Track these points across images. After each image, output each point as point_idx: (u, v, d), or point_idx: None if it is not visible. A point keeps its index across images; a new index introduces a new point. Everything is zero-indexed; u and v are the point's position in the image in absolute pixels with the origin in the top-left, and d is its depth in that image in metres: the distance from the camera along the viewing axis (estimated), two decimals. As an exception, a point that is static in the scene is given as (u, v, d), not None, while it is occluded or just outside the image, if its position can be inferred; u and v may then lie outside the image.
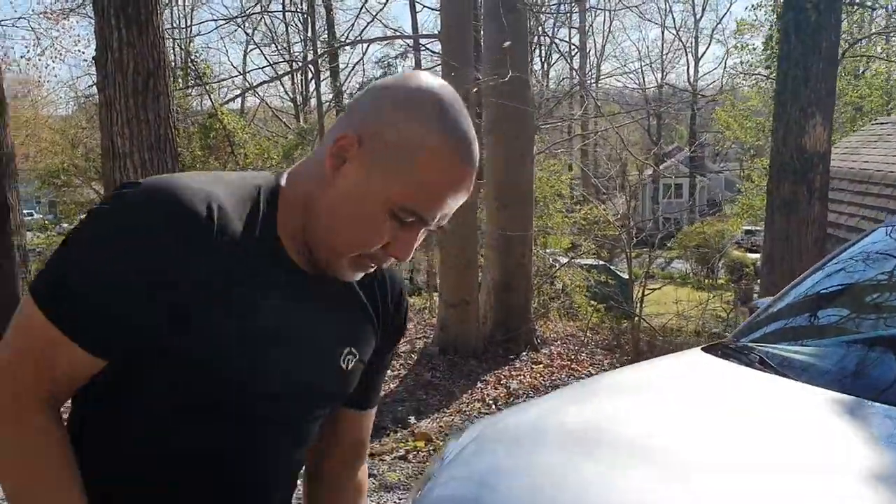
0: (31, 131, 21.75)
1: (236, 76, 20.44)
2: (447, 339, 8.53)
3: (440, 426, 6.38)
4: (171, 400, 1.05)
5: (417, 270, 15.88)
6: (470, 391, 7.60)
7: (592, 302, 10.58)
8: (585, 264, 12.30)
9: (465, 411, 6.92)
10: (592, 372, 8.15)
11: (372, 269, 1.13)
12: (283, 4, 23.30)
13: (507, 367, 8.33)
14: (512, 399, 7.18)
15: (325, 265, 1.10)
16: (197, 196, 1.01)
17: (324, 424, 1.27)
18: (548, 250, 12.84)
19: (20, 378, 0.98)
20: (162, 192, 1.01)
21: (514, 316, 8.93)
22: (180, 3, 24.37)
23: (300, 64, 20.83)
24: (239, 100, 18.15)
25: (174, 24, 20.90)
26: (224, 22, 20.68)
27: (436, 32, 12.04)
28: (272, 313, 1.08)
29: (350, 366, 1.20)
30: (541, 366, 8.43)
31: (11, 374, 0.98)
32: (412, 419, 6.59)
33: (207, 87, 10.68)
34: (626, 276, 10.92)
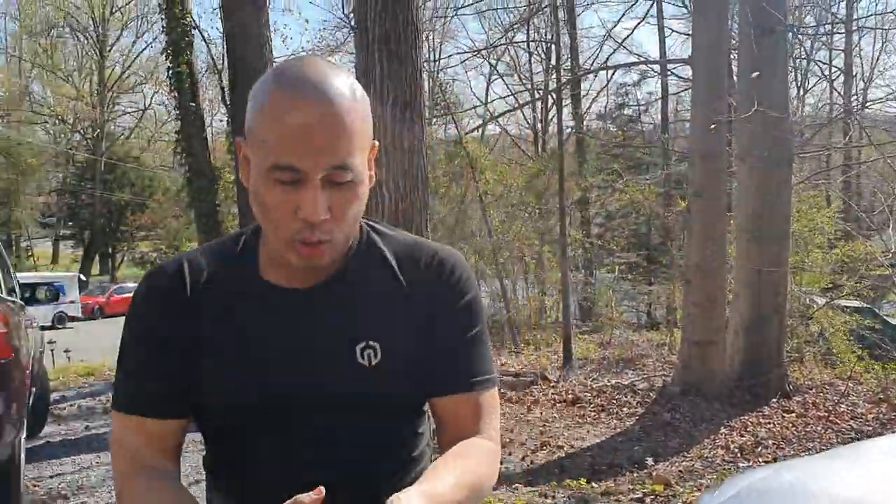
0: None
1: (478, 106, 20.99)
2: (689, 380, 8.10)
3: (680, 471, 6.03)
4: (233, 434, 1.18)
5: (657, 305, 15.33)
6: (712, 436, 7.14)
7: (855, 348, 9.60)
8: (847, 306, 11.22)
9: (706, 457, 6.50)
10: (854, 426, 7.36)
11: (316, 244, 1.11)
12: (528, 34, 23.70)
13: (754, 414, 7.74)
14: (759, 449, 6.64)
15: (293, 264, 1.14)
16: (168, 263, 1.22)
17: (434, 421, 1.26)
18: (803, 289, 11.89)
19: (117, 463, 1.20)
20: (144, 277, 1.23)
21: (765, 359, 8.30)
22: (430, 37, 25.54)
23: (542, 93, 21.01)
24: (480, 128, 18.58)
25: (426, 58, 21.89)
26: (470, 55, 21.36)
27: (685, 57, 11.60)
28: (263, 336, 1.17)
29: (374, 360, 1.17)
30: (793, 415, 7.75)
31: (114, 462, 1.20)
32: (649, 461, 6.29)
33: (455, 117, 11.01)
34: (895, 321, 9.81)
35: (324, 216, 1.08)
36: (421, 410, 1.27)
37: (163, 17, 12.10)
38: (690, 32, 8.71)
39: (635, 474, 5.85)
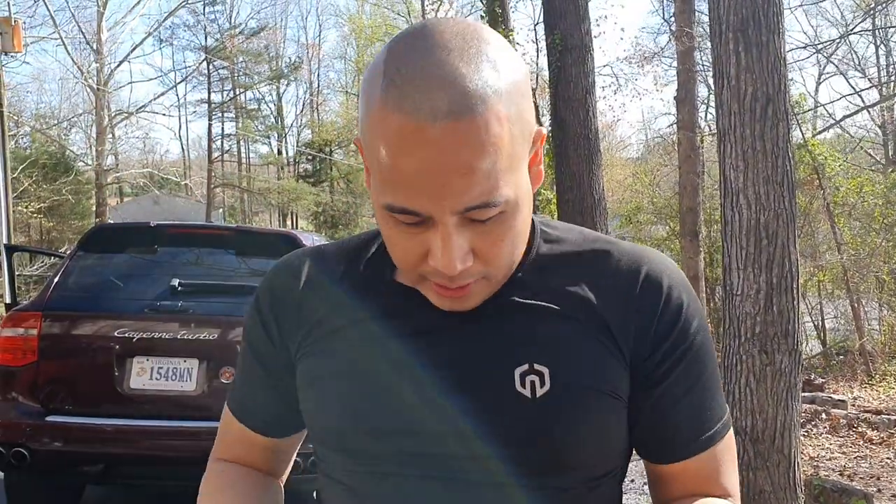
0: (608, 174, 23.41)
1: (819, 106, 19.09)
2: None
3: None
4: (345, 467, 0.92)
5: None
6: None
7: None
8: None
9: None
10: None
11: (460, 287, 0.82)
12: (873, 23, 21.11)
13: None
14: None
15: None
16: (289, 259, 1.00)
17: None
18: None
19: (215, 448, 1.07)
20: (266, 274, 1.01)
21: None
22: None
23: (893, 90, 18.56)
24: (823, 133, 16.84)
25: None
26: (808, 52, 19.50)
27: None
28: (375, 349, 0.89)
29: (539, 390, 0.84)
30: None
31: (215, 445, 1.07)
32: None
33: (798, 119, 9.95)
34: None
35: (463, 266, 0.80)
36: (606, 474, 0.92)
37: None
38: None
39: None
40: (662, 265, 0.92)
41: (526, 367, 0.85)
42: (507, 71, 0.77)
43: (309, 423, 0.95)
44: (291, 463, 1.11)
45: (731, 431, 0.94)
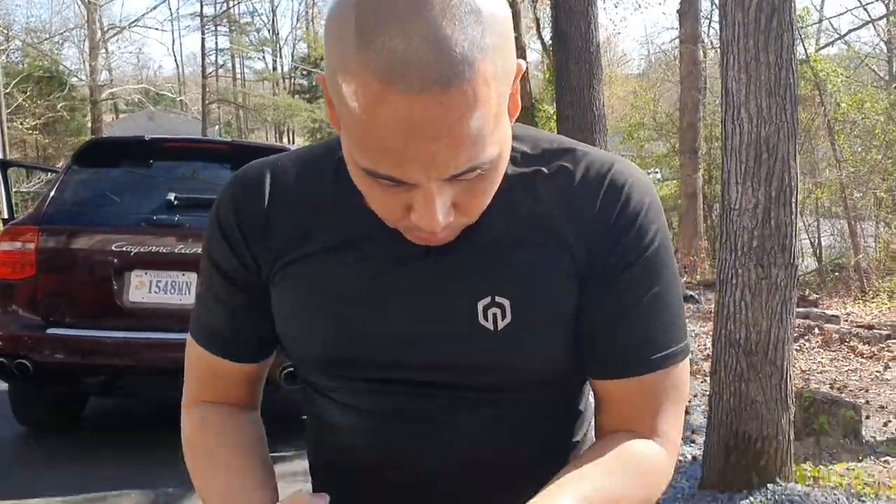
0: (609, 90, 23.09)
1: (822, 20, 18.68)
2: None
3: None
4: (309, 392, 0.98)
5: None
6: None
7: None
8: None
9: None
10: None
11: (434, 239, 0.81)
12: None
13: None
14: None
15: None
16: (249, 174, 0.94)
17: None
18: None
19: (185, 390, 1.02)
20: (224, 187, 0.95)
21: None
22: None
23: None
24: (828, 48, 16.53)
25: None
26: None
27: None
28: (350, 279, 0.88)
29: (501, 323, 0.85)
30: None
31: (185, 386, 1.03)
32: None
33: (801, 33, 9.75)
34: None
35: (446, 222, 0.78)
36: (573, 390, 0.96)
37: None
38: None
39: None
40: (628, 171, 0.88)
41: (488, 300, 0.85)
42: (491, 19, 0.71)
43: (286, 346, 0.95)
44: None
45: (685, 368, 0.89)
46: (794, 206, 3.82)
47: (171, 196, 4.44)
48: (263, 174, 0.93)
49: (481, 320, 0.86)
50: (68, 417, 5.10)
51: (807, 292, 11.64)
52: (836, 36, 14.51)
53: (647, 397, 0.88)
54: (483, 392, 0.89)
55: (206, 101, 32.76)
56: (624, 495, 0.82)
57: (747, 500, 3.66)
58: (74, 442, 4.81)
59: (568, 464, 0.86)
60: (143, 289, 4.33)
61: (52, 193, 4.52)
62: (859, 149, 12.24)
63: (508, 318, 0.85)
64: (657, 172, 19.80)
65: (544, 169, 0.89)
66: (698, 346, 8.52)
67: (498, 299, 0.85)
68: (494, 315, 0.85)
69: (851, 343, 8.40)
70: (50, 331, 4.27)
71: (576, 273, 0.87)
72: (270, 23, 41.02)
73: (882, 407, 6.23)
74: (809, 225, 14.04)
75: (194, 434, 0.97)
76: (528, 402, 0.90)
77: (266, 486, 0.90)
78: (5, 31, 23.77)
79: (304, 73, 38.60)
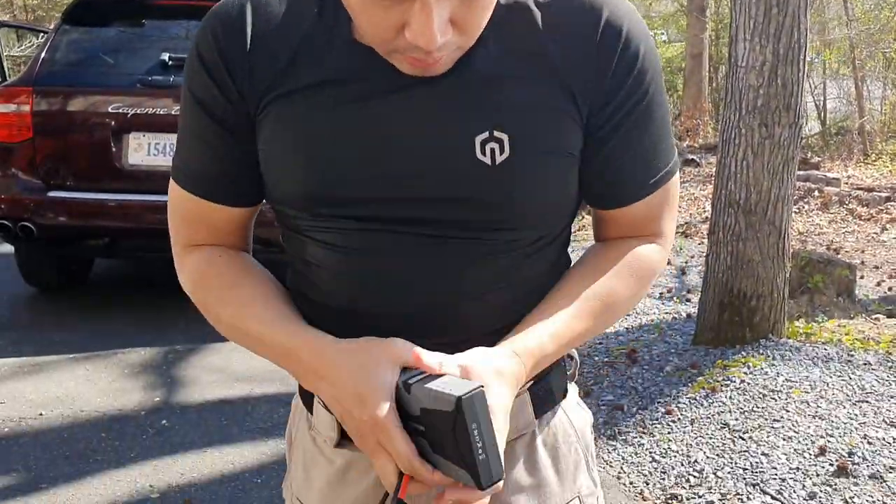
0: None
1: None
2: None
3: None
4: (289, 230, 0.94)
5: None
6: None
7: None
8: None
9: None
10: None
11: (431, 64, 0.79)
12: None
13: None
14: None
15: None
16: (228, 6, 0.89)
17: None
18: None
19: (172, 238, 1.00)
20: (200, 27, 0.90)
21: None
22: None
23: None
24: None
25: None
26: None
27: None
28: (339, 114, 0.84)
29: (499, 158, 0.83)
30: None
31: (171, 235, 1.00)
32: None
33: None
34: None
35: (444, 39, 0.75)
36: (561, 235, 0.95)
37: None
38: None
39: None
40: (623, 9, 0.87)
41: (486, 134, 0.83)
42: None
43: (270, 185, 0.91)
44: None
45: (677, 175, 0.95)
46: (802, 63, 3.74)
47: (166, 56, 4.35)
48: (244, 7, 0.88)
49: (479, 155, 0.83)
50: (76, 278, 5.20)
51: (809, 155, 11.58)
52: None
53: (648, 211, 0.94)
54: (474, 231, 0.87)
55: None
56: (618, 288, 0.92)
57: (740, 355, 3.77)
58: (83, 302, 4.93)
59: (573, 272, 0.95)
60: (141, 151, 4.31)
61: (43, 55, 4.42)
62: (871, 6, 11.85)
63: (507, 153, 0.84)
64: (663, 34, 19.30)
65: (539, 1, 0.86)
66: (698, 209, 8.56)
67: (496, 133, 0.83)
68: (492, 150, 0.83)
69: (850, 205, 8.44)
70: (51, 194, 4.28)
71: (573, 112, 0.86)
72: None
73: (877, 267, 6.34)
74: (816, 87, 13.79)
75: (208, 269, 0.96)
76: (517, 245, 0.89)
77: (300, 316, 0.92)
78: None
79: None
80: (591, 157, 0.89)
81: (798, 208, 8.42)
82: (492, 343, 0.87)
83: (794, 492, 2.68)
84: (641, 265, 0.94)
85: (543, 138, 0.85)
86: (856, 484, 2.69)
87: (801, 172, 9.58)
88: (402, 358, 0.81)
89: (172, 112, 4.25)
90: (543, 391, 0.96)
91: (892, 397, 3.27)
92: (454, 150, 0.84)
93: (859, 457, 2.83)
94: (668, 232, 0.97)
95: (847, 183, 9.62)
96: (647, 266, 0.95)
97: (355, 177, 0.85)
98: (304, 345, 0.86)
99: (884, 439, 2.94)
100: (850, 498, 2.61)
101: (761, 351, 3.80)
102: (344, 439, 0.94)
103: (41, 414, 3.32)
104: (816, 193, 8.81)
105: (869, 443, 2.93)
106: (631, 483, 2.86)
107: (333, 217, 0.88)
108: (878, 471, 2.74)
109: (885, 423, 3.06)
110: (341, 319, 0.90)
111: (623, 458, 3.03)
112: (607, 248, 0.96)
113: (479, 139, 0.83)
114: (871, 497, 2.61)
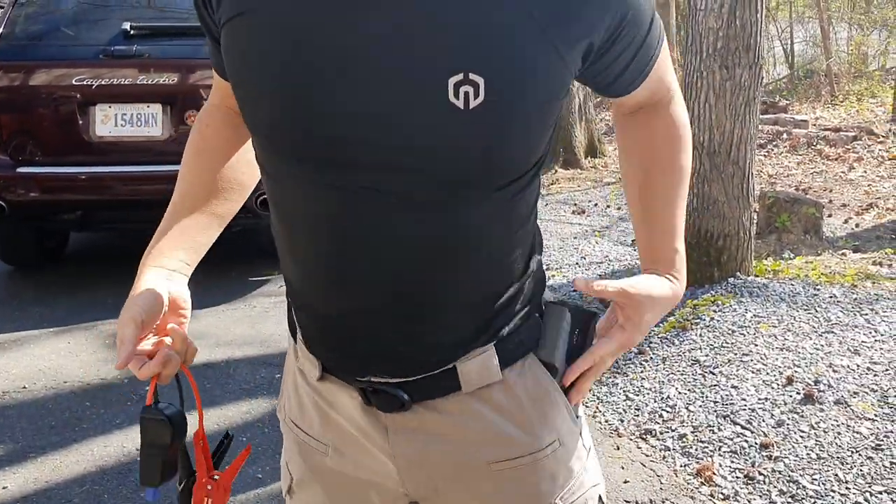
0: None
1: None
2: None
3: None
4: (262, 164, 0.92)
5: None
6: None
7: None
8: None
9: None
10: None
11: None
12: None
13: None
14: None
15: None
16: None
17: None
18: None
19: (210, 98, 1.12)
20: None
21: None
22: None
23: None
24: None
25: None
26: None
27: None
28: (299, 44, 0.80)
29: (473, 102, 0.77)
30: None
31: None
32: None
33: None
34: None
35: None
36: (530, 190, 0.91)
37: None
38: None
39: None
40: None
41: (461, 76, 0.77)
42: None
43: (241, 110, 0.89)
44: None
45: (665, 40, 0.97)
46: (759, 4, 3.78)
47: (127, 26, 4.30)
48: None
49: (451, 98, 0.77)
50: (52, 254, 5.19)
51: (777, 98, 11.66)
52: None
53: (654, 79, 0.98)
54: (441, 181, 0.81)
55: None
56: (679, 160, 1.04)
57: (709, 294, 3.86)
58: (61, 276, 4.93)
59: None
60: (108, 123, 4.29)
61: (0, 29, 4.37)
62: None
63: (481, 98, 0.77)
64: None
65: None
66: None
67: (472, 76, 0.77)
68: (466, 93, 0.77)
69: (818, 146, 8.53)
70: (20, 169, 4.26)
71: (554, 54, 0.81)
72: None
73: (844, 205, 6.44)
74: (783, 30, 13.82)
75: (195, 133, 1.11)
76: (486, 199, 0.85)
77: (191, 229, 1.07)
78: None
79: None
80: (593, 74, 0.90)
81: (767, 151, 8.51)
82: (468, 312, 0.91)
83: (763, 420, 2.78)
84: (682, 131, 1.05)
85: (522, 85, 0.80)
86: (821, 410, 2.79)
87: (770, 116, 9.66)
88: (143, 311, 0.97)
89: (138, 82, 4.23)
90: (513, 344, 0.94)
91: (856, 327, 3.37)
92: (423, 92, 0.78)
93: (825, 384, 2.93)
94: (675, 86, 1.04)
95: (815, 124, 9.72)
96: (684, 124, 1.05)
97: (314, 113, 0.81)
98: (150, 253, 1.06)
99: (848, 367, 3.04)
100: (817, 423, 2.71)
101: (730, 289, 3.89)
102: (326, 373, 0.98)
103: (25, 387, 3.35)
104: (785, 136, 8.89)
105: (834, 370, 3.03)
106: (606, 421, 2.95)
107: (293, 158, 0.84)
108: (842, 396, 2.84)
109: (850, 351, 3.17)
110: (313, 265, 0.90)
111: (598, 398, 3.11)
112: (640, 128, 1.04)
113: (452, 81, 0.78)
114: (837, 421, 2.71)
